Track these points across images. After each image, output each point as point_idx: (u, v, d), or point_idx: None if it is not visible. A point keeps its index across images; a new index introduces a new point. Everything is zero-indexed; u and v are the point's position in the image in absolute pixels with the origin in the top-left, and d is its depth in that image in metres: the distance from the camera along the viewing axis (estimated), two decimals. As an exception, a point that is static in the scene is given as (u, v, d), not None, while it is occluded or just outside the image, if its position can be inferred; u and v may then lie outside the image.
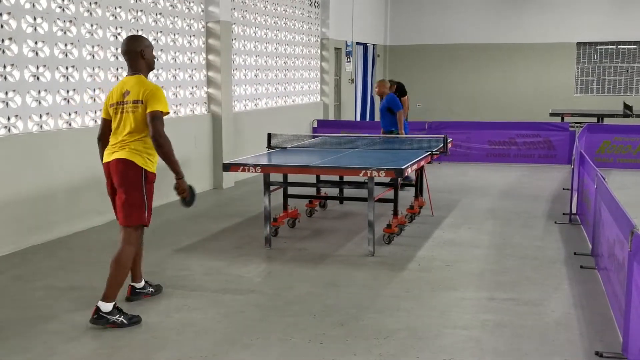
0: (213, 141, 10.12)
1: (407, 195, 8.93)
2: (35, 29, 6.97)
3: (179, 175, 4.69)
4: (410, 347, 4.25)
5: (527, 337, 4.41)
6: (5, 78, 6.63)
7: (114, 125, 4.72)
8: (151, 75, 8.88)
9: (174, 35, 9.35)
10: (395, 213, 6.99)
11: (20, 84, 6.78)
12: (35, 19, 6.97)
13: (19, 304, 5.10)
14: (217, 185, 10.20)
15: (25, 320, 4.74)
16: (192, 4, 9.76)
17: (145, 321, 4.71)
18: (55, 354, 4.17)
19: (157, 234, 6.88)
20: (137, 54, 4.74)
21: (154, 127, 4.52)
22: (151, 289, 5.21)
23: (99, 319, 4.52)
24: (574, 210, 7.83)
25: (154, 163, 4.73)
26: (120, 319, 4.55)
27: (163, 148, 4.56)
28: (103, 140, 4.86)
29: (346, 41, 16.26)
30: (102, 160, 4.82)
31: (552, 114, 15.50)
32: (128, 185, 4.60)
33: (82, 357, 4.13)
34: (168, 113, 4.68)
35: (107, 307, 4.54)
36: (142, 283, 5.19)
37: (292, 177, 7.44)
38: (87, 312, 4.86)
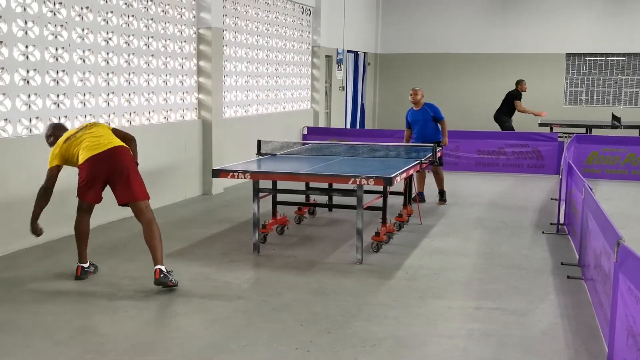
0: (203, 147, 10.11)
1: (395, 203, 8.94)
2: (26, 32, 6.95)
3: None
4: (397, 355, 4.26)
5: (513, 346, 4.43)
6: (-5, 81, 6.62)
7: (92, 141, 5.64)
8: (141, 79, 8.87)
9: (165, 40, 9.35)
10: (384, 221, 7.01)
11: (10, 87, 6.75)
12: (26, 22, 6.95)
13: (5, 307, 5.07)
14: (207, 191, 10.18)
15: (10, 323, 4.71)
16: (183, 10, 9.76)
17: (132, 326, 4.70)
18: (40, 358, 4.15)
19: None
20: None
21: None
22: (93, 268, 5.91)
23: (164, 278, 5.36)
24: (561, 221, 7.87)
25: None
26: (174, 280, 5.42)
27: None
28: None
29: (337, 49, 16.30)
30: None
31: (540, 124, 15.57)
32: (134, 167, 5.64)
33: (68, 362, 4.11)
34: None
35: (164, 268, 5.43)
36: (88, 263, 5.83)
37: (281, 184, 7.44)
38: (73, 316, 4.85)
